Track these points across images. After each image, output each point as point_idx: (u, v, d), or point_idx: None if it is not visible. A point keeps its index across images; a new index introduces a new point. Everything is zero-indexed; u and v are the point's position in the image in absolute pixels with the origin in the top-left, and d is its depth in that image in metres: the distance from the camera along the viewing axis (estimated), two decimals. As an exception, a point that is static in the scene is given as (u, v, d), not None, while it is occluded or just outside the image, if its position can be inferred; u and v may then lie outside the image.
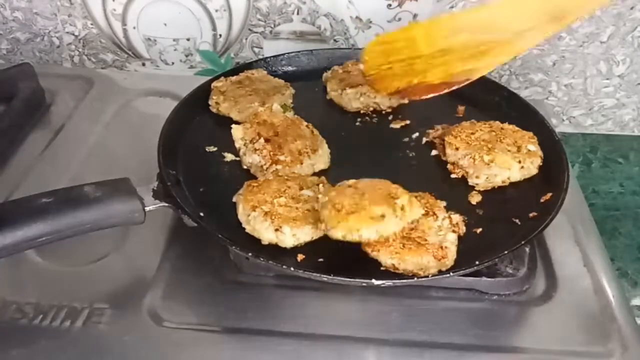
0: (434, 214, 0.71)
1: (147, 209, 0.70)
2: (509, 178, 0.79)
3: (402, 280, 0.66)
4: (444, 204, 0.73)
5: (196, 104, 0.91)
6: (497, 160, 0.79)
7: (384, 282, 0.65)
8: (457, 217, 0.72)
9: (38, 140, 0.95)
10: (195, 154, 0.84)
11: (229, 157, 0.84)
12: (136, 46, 1.18)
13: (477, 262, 0.66)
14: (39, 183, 0.84)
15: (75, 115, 1.01)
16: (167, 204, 0.72)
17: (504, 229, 0.73)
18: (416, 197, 0.73)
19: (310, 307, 0.71)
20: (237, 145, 0.83)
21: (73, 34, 1.17)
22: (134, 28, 1.15)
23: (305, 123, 0.85)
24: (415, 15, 1.10)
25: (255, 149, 0.80)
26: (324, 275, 0.65)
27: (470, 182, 0.80)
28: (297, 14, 1.12)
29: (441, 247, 0.67)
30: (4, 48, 1.19)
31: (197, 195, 0.77)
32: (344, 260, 0.69)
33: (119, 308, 0.69)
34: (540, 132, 0.85)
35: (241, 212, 0.72)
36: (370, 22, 1.12)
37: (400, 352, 0.66)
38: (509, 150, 0.80)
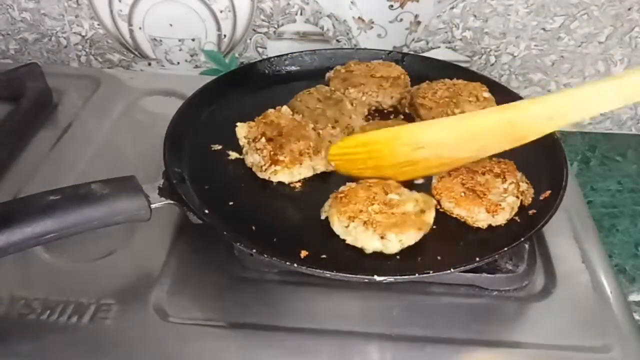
0: (504, 177, 0.75)
1: (152, 206, 0.70)
2: None
3: (403, 277, 0.67)
4: (521, 175, 0.77)
5: (201, 103, 0.91)
6: (466, 111, 0.86)
7: (385, 278, 0.65)
8: (525, 186, 0.75)
9: (45, 138, 0.95)
10: (201, 152, 0.85)
11: (234, 155, 0.84)
12: (142, 46, 1.18)
13: (477, 259, 0.67)
14: (46, 181, 0.84)
15: (82, 114, 1.01)
16: (172, 202, 0.72)
17: (504, 226, 0.74)
18: (499, 162, 0.77)
19: (313, 303, 0.71)
20: (240, 143, 0.83)
21: (80, 35, 1.18)
22: (140, 28, 1.16)
23: (312, 125, 0.85)
24: (416, 16, 1.11)
25: (257, 149, 0.80)
26: (327, 272, 0.65)
27: None
28: (301, 14, 1.13)
29: (496, 204, 0.71)
30: (12, 48, 1.20)
31: (202, 193, 0.77)
32: (347, 256, 0.70)
33: (125, 304, 0.69)
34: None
35: (337, 225, 0.70)
36: (373, 22, 1.13)
37: (402, 346, 0.66)
38: (470, 101, 0.88)
